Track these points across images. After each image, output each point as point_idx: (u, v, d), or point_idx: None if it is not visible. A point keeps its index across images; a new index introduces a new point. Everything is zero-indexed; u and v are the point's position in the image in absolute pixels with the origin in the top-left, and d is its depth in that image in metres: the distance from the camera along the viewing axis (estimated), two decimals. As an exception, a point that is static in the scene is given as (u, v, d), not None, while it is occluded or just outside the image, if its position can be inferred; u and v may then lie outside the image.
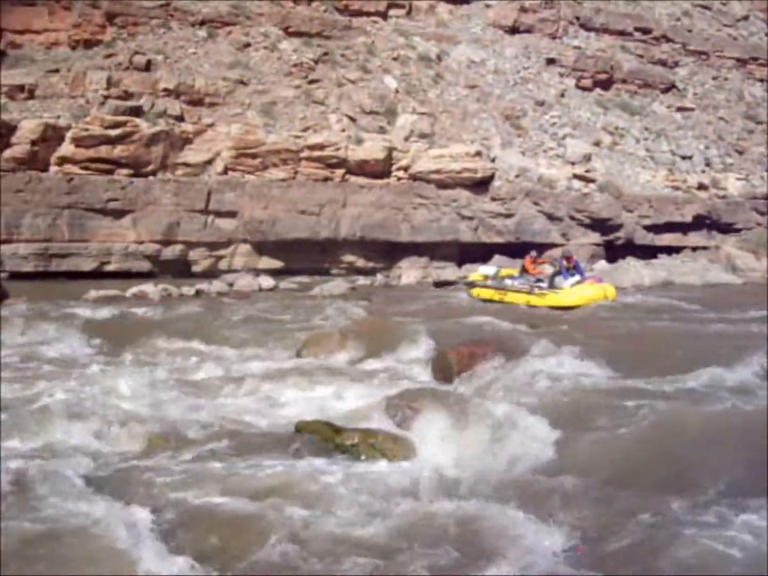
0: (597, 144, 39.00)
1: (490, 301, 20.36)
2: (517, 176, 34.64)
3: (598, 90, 44.08)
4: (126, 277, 27.81)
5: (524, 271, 21.42)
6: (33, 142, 29.68)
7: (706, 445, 6.17)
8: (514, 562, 4.71)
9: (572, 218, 34.05)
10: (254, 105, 34.70)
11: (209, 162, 32.11)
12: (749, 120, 45.29)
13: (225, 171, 32.26)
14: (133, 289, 22.87)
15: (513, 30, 45.23)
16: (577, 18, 46.85)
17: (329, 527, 5.27)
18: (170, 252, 30.82)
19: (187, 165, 31.77)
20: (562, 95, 42.15)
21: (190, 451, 7.03)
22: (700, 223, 36.38)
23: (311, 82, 36.81)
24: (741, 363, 9.16)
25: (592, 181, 35.61)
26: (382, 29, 42.28)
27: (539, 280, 20.62)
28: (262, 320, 16.56)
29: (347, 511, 5.55)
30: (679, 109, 44.87)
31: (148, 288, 23.14)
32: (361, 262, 33.00)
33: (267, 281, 26.94)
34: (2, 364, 11.07)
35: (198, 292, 23.92)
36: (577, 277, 19.79)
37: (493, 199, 33.65)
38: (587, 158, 37.23)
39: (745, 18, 52.62)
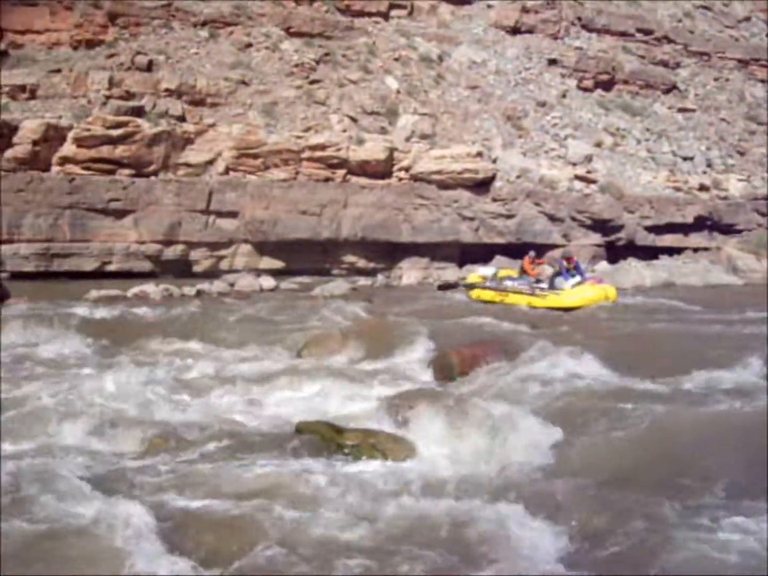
0: (598, 145, 38.98)
1: (491, 302, 20.28)
2: (518, 177, 34.63)
3: (599, 91, 44.05)
4: (127, 277, 27.80)
5: (523, 271, 21.32)
6: (35, 142, 29.70)
7: (705, 447, 6.17)
8: (511, 563, 4.72)
9: (573, 219, 34.04)
10: (256, 105, 34.72)
11: (211, 162, 32.12)
12: (750, 121, 45.26)
13: (226, 171, 32.27)
14: (135, 289, 22.86)
15: (514, 30, 45.21)
16: (579, 19, 46.82)
17: (330, 527, 5.28)
18: (171, 252, 30.83)
19: (188, 165, 31.78)
20: (564, 96, 42.14)
21: (190, 451, 7.04)
22: (701, 224, 36.35)
23: (312, 82, 36.82)
24: (741, 364, 9.18)
25: (594, 181, 35.60)
26: (384, 30, 42.28)
27: (538, 281, 20.59)
28: (262, 320, 16.56)
29: (348, 511, 5.56)
30: (681, 110, 44.84)
31: (149, 288, 23.13)
32: (362, 263, 33.01)
33: (268, 281, 26.93)
34: (2, 364, 11.07)
35: (199, 293, 23.91)
36: (577, 278, 19.75)
37: (494, 200, 33.65)
38: (588, 159, 37.22)
39: (747, 19, 52.57)
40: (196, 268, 31.15)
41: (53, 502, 5.56)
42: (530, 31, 45.36)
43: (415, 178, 33.48)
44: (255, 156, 32.30)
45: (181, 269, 30.54)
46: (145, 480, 6.28)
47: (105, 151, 30.29)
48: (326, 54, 38.53)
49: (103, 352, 13.01)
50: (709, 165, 40.72)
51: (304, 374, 10.39)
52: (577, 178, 35.52)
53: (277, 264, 31.69)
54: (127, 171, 30.64)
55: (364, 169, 33.12)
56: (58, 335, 13.84)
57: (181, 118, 32.87)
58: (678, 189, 37.31)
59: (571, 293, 19.17)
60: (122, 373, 10.36)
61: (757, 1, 52.61)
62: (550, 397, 8.32)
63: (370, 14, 42.54)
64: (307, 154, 32.69)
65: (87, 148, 30.16)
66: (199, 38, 37.17)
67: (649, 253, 33.40)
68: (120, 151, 30.47)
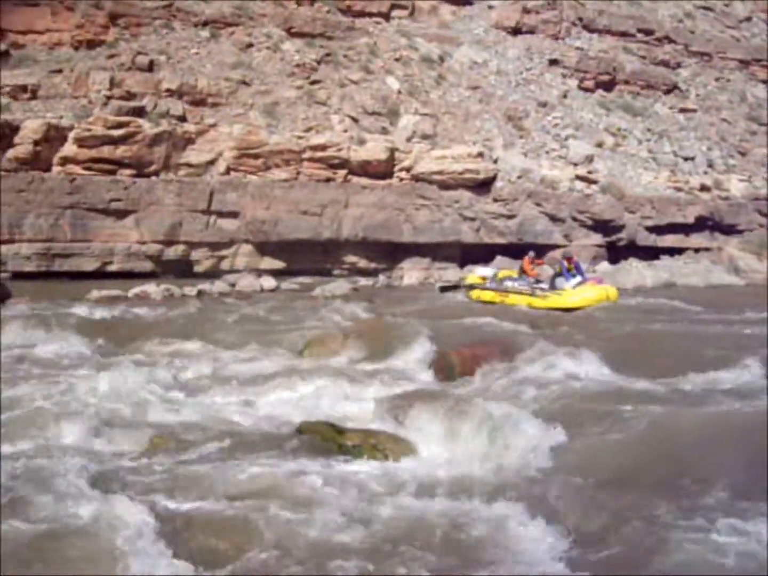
0: (599, 145, 38.96)
1: (491, 303, 20.25)
2: (519, 177, 34.61)
3: (600, 91, 44.02)
4: (128, 278, 27.81)
5: (522, 272, 21.25)
6: (36, 142, 29.69)
7: (704, 448, 6.17)
8: (511, 563, 4.72)
9: (574, 219, 34.02)
10: (257, 105, 34.71)
11: (212, 162, 32.11)
12: (752, 121, 45.24)
13: (227, 171, 32.26)
14: (136, 290, 22.87)
15: (515, 31, 45.19)
16: (580, 19, 46.79)
17: (330, 527, 5.28)
18: (172, 252, 30.83)
19: (189, 165, 31.77)
20: (565, 96, 42.12)
21: (191, 451, 7.04)
22: (702, 224, 36.32)
23: (314, 82, 36.81)
24: (741, 365, 9.19)
25: (595, 182, 35.57)
26: (385, 30, 42.27)
27: (538, 281, 20.56)
28: (263, 321, 16.58)
29: (349, 511, 5.56)
30: (682, 111, 44.81)
31: (150, 288, 23.15)
32: (363, 263, 32.99)
33: (269, 282, 26.95)
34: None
35: (200, 293, 23.93)
36: (578, 278, 19.73)
37: (496, 200, 33.63)
38: (589, 159, 37.20)
39: (748, 19, 52.54)
40: (197, 269, 31.14)
41: (52, 502, 5.56)
42: (531, 32, 45.34)
43: (416, 179, 33.47)
44: (256, 156, 32.30)
45: (182, 269, 30.54)
46: (144, 480, 6.28)
47: (106, 151, 30.28)
48: (327, 54, 38.53)
49: (103, 352, 13.01)
50: (710, 165, 40.70)
51: (305, 374, 10.39)
52: (578, 178, 35.50)
53: (278, 264, 31.68)
54: (128, 171, 30.63)
55: (365, 169, 33.11)
56: (59, 335, 13.83)
57: (182, 119, 32.87)
58: (679, 189, 37.28)
59: (572, 294, 19.16)
60: (123, 373, 10.37)
61: (758, 2, 52.58)
62: (551, 398, 8.33)
63: (371, 15, 42.52)
64: (308, 154, 32.68)
65: (88, 148, 30.16)
66: (200, 38, 37.16)
67: (650, 254, 33.37)
68: (121, 152, 30.46)
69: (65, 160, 30.17)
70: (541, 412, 7.52)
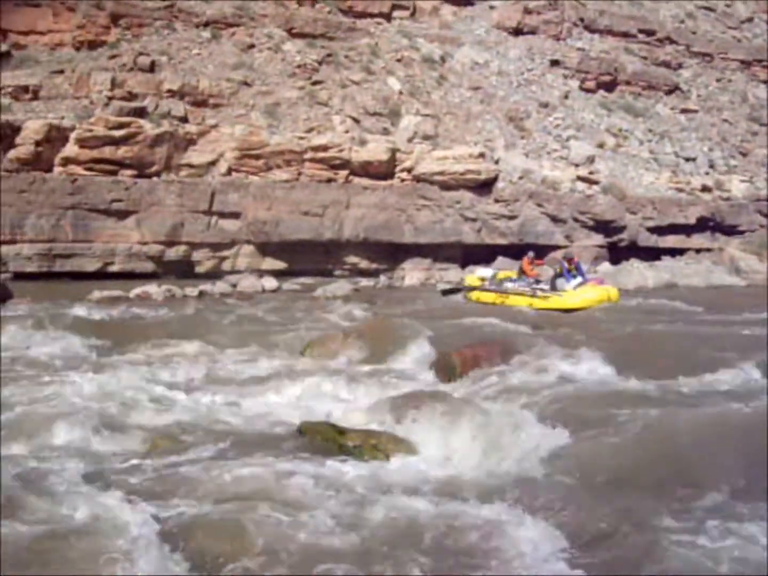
0: (601, 146, 38.97)
1: (491, 304, 20.19)
2: (520, 178, 34.61)
3: (601, 92, 44.04)
4: (129, 278, 27.82)
5: (522, 272, 21.18)
6: (37, 143, 29.71)
7: (704, 449, 6.17)
8: (509, 564, 4.72)
9: (576, 220, 34.02)
10: (258, 106, 34.73)
11: (213, 163, 32.13)
12: (753, 122, 45.24)
13: (229, 172, 32.27)
14: (137, 290, 22.88)
15: (517, 31, 45.21)
16: (581, 19, 46.80)
17: (331, 528, 5.28)
18: (174, 253, 30.84)
19: (191, 166, 31.79)
20: (566, 97, 42.12)
21: (192, 451, 7.04)
22: (703, 225, 36.32)
23: (315, 83, 36.83)
24: (741, 366, 9.18)
25: (596, 182, 35.57)
26: (386, 31, 42.29)
27: (538, 281, 20.52)
28: (265, 321, 16.59)
29: (350, 511, 5.56)
30: (683, 111, 44.82)
31: (152, 289, 23.16)
32: (364, 264, 32.99)
33: (270, 282, 26.97)
34: (3, 364, 11.08)
35: (201, 293, 23.95)
36: (579, 279, 19.72)
37: (497, 201, 33.62)
38: (591, 160, 37.20)
39: (750, 20, 52.54)
40: (199, 269, 31.16)
41: (51, 503, 5.57)
42: (532, 32, 45.36)
43: (418, 179, 33.48)
44: (257, 157, 32.31)
45: (184, 270, 30.55)
46: (144, 481, 6.28)
47: (107, 151, 30.30)
48: (329, 55, 38.54)
49: (104, 352, 13.01)
50: (711, 166, 40.71)
51: (305, 375, 10.40)
52: (580, 179, 35.51)
53: (280, 265, 31.69)
54: (129, 172, 30.65)
55: (366, 170, 33.12)
56: (60, 336, 13.84)
57: (184, 119, 32.89)
58: (680, 190, 37.28)
59: (574, 294, 19.15)
60: (123, 373, 10.39)
61: (760, 2, 52.58)
62: (551, 398, 8.33)
63: (372, 15, 42.54)
64: (309, 155, 32.69)
65: (89, 149, 30.18)
66: (201, 39, 37.18)
67: (652, 254, 33.38)
68: (122, 152, 30.48)
69: (66, 161, 30.19)
70: (542, 413, 7.53)
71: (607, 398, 8.20)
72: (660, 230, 35.49)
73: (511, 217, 33.52)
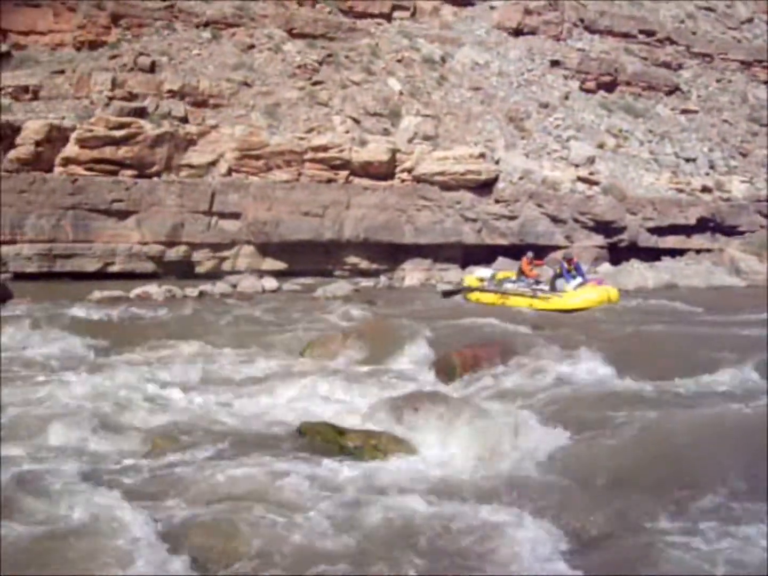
0: (601, 146, 38.98)
1: (492, 305, 20.13)
2: (520, 178, 34.62)
3: (602, 92, 44.06)
4: (130, 278, 27.81)
5: (521, 273, 21.11)
6: (37, 143, 29.72)
7: (704, 449, 6.17)
8: (509, 564, 4.73)
9: (576, 220, 34.03)
10: (258, 106, 34.75)
11: (213, 163, 32.14)
12: (753, 122, 45.25)
13: (229, 172, 32.28)
14: (137, 290, 22.87)
15: (517, 32, 45.23)
16: (581, 20, 46.82)
17: (332, 528, 5.28)
18: (174, 253, 30.85)
19: (191, 166, 31.80)
20: (566, 97, 42.13)
21: (192, 452, 7.04)
22: (703, 225, 36.33)
23: (315, 83, 36.84)
24: (741, 366, 9.18)
25: (596, 183, 35.58)
26: (386, 31, 42.30)
27: (537, 282, 20.49)
28: (265, 322, 16.59)
29: (350, 511, 5.56)
30: (683, 112, 44.84)
31: (152, 289, 23.15)
32: (364, 264, 32.99)
33: (270, 283, 26.97)
34: (2, 364, 11.08)
35: (201, 294, 23.94)
36: (579, 280, 19.71)
37: (497, 201, 33.63)
38: (591, 160, 37.21)
39: (750, 20, 52.55)
40: (199, 269, 31.17)
41: (51, 503, 5.57)
42: (533, 33, 45.38)
43: (418, 180, 33.48)
44: (257, 157, 32.32)
45: (184, 270, 30.55)
46: (144, 481, 6.29)
47: (108, 152, 30.31)
48: (329, 55, 38.55)
49: (104, 353, 13.01)
50: (711, 166, 40.73)
51: (306, 375, 10.40)
52: (580, 179, 35.51)
53: (280, 265, 31.70)
54: (129, 172, 30.67)
55: (366, 170, 33.13)
56: (60, 336, 13.84)
57: (184, 120, 32.91)
58: (680, 190, 37.29)
59: (574, 295, 19.13)
60: (123, 374, 10.38)
61: (760, 2, 52.59)
62: (551, 399, 8.33)
63: (372, 15, 42.56)
64: (309, 155, 32.70)
65: (90, 149, 30.19)
66: (201, 39, 37.19)
67: (652, 255, 33.38)
68: (123, 152, 30.49)
69: (67, 161, 30.20)
70: (542, 414, 7.53)
71: (606, 399, 8.20)
72: (660, 231, 35.50)
73: (512, 218, 33.53)
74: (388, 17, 43.11)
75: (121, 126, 30.56)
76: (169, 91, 33.39)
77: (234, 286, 26.19)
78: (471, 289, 21.78)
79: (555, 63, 43.79)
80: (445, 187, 33.19)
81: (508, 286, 20.68)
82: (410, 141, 34.77)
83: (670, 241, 35.66)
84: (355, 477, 6.34)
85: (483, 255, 31.97)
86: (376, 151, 33.18)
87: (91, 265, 29.71)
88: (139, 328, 15.42)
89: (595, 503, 5.63)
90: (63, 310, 17.74)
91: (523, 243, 32.45)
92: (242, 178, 32.22)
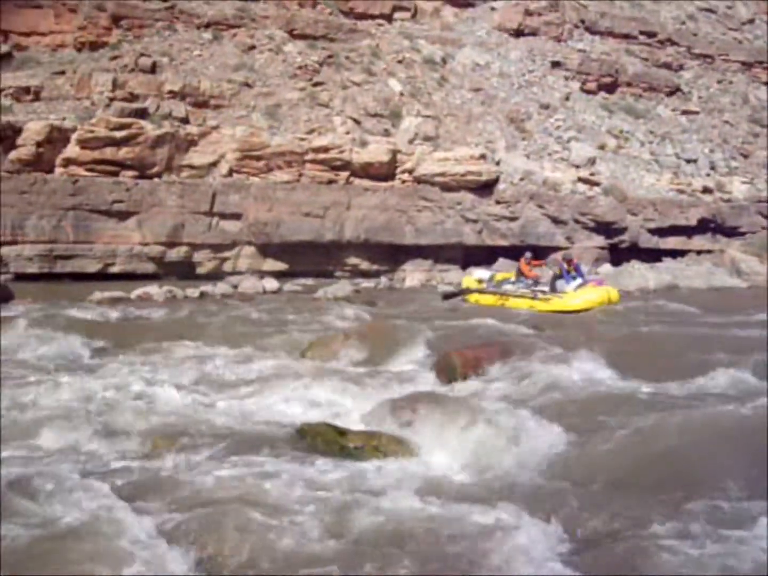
0: (602, 147, 39.02)
1: (492, 307, 20.03)
2: (521, 179, 34.64)
3: (602, 93, 44.10)
4: (130, 279, 27.83)
5: (520, 274, 21.04)
6: (38, 144, 29.77)
7: (704, 450, 6.17)
8: (507, 565, 4.73)
9: (577, 221, 34.04)
10: (259, 107, 34.79)
11: (214, 164, 32.17)
12: (754, 123, 45.26)
13: (230, 173, 32.31)
14: (138, 291, 22.88)
15: (518, 33, 45.27)
16: (582, 21, 46.86)
17: (332, 528, 5.28)
18: (175, 254, 30.87)
19: (192, 167, 31.83)
20: (567, 98, 42.17)
21: (192, 452, 7.04)
22: (704, 226, 36.34)
23: (316, 84, 36.88)
24: (741, 367, 9.17)
25: (597, 184, 35.60)
26: (387, 32, 42.35)
27: (537, 282, 20.45)
28: (265, 322, 16.58)
29: (351, 512, 5.56)
30: (684, 113, 44.86)
31: (153, 290, 23.16)
32: (365, 265, 33.01)
33: (271, 283, 26.98)
34: (2, 365, 11.07)
35: (202, 294, 23.95)
36: (579, 281, 19.67)
37: (498, 202, 33.65)
38: (592, 161, 37.24)
39: (751, 21, 52.60)
40: (200, 270, 31.19)
41: (49, 504, 5.57)
42: (533, 34, 45.43)
43: (419, 180, 33.50)
44: (258, 158, 32.35)
45: (185, 271, 30.57)
46: (144, 482, 6.28)
47: (108, 152, 30.35)
48: (329, 56, 38.60)
49: (104, 353, 13.00)
50: (712, 167, 40.75)
51: (306, 376, 10.37)
52: (581, 180, 35.53)
53: (281, 266, 31.72)
54: (130, 173, 30.71)
55: (367, 171, 33.15)
56: (60, 337, 13.81)
57: (185, 120, 32.95)
58: (681, 191, 37.31)
59: (574, 296, 19.09)
60: (123, 374, 10.38)
61: (761, 3, 52.62)
62: (551, 400, 8.33)
63: (373, 16, 42.62)
64: (310, 156, 32.73)
65: (90, 150, 30.23)
66: (202, 40, 37.26)
67: (653, 256, 33.37)
68: (123, 153, 30.53)
69: (68, 162, 30.24)
70: (542, 415, 7.52)
71: (606, 400, 8.20)
72: (661, 232, 35.52)
73: (512, 219, 33.54)
74: (389, 18, 43.16)
75: (122, 127, 30.60)
76: (170, 92, 33.44)
77: (235, 286, 26.20)
78: (471, 291, 21.64)
79: (556, 64, 43.83)
80: (446, 188, 33.21)
81: (508, 287, 20.62)
82: (411, 142, 34.81)
83: (671, 242, 35.67)
84: (355, 477, 6.33)
85: (484, 256, 32.00)
86: (376, 151, 33.20)
87: (92, 265, 29.74)
88: (139, 329, 15.42)
89: (593, 504, 5.63)
90: (63, 311, 17.72)
91: (523, 244, 32.45)
92: (243, 179, 32.25)
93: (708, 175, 39.92)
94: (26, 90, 32.43)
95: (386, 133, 35.29)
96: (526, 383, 9.20)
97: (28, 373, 10.61)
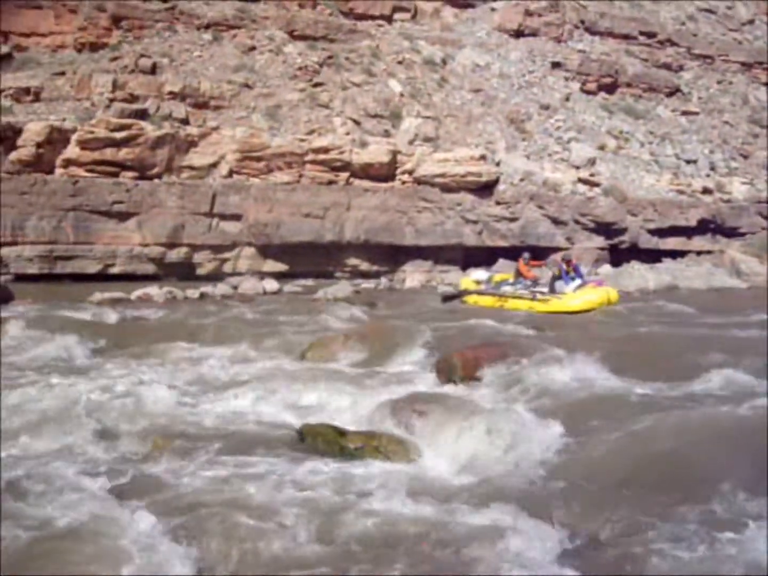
0: (602, 148, 39.03)
1: (491, 308, 19.97)
2: (521, 180, 34.65)
3: (602, 94, 44.11)
4: (131, 280, 27.83)
5: (519, 274, 20.98)
6: (38, 145, 29.78)
7: (703, 451, 6.17)
8: (506, 566, 4.73)
9: (577, 222, 34.05)
10: (259, 108, 34.80)
11: (214, 165, 32.18)
12: (754, 124, 45.28)
13: (230, 174, 32.32)
14: (138, 292, 22.88)
15: (518, 34, 45.29)
16: (582, 22, 46.87)
17: (333, 528, 5.29)
18: (175, 255, 30.87)
19: (192, 168, 31.84)
20: (567, 99, 42.19)
21: (192, 453, 7.04)
22: (704, 227, 36.36)
23: (316, 85, 36.89)
24: (741, 368, 9.18)
25: (597, 184, 35.61)
26: (387, 33, 42.37)
27: (536, 283, 20.41)
28: (266, 323, 16.56)
29: (351, 512, 5.57)
30: (684, 113, 44.88)
31: (153, 290, 23.16)
32: (365, 266, 33.03)
33: (271, 284, 26.98)
34: (2, 365, 11.08)
35: (202, 295, 23.95)
36: (578, 281, 19.64)
37: (498, 203, 33.66)
38: (592, 162, 37.25)
39: (750, 22, 52.62)
40: (200, 271, 31.20)
41: (49, 504, 5.58)
42: (533, 35, 45.45)
43: (419, 181, 33.51)
44: (258, 159, 32.36)
45: (185, 272, 30.58)
46: (144, 482, 6.29)
47: (108, 153, 30.36)
48: (330, 57, 38.61)
49: (104, 354, 13.00)
50: (712, 168, 40.76)
51: (307, 377, 10.38)
52: (581, 181, 35.55)
53: (281, 267, 31.73)
54: (130, 173, 30.72)
55: (367, 171, 33.16)
56: (60, 337, 13.80)
57: (185, 121, 32.96)
58: (681, 192, 37.33)
59: (574, 297, 19.07)
60: (123, 375, 10.39)
61: (761, 4, 52.64)
62: (552, 400, 8.33)
63: (373, 17, 42.64)
64: (310, 157, 32.74)
65: (90, 151, 30.24)
66: (202, 41, 37.28)
67: (653, 256, 33.38)
68: (123, 154, 30.54)
69: (68, 163, 30.25)
70: (542, 415, 7.52)
71: (605, 401, 8.20)
72: (661, 232, 35.54)
73: (512, 219, 33.55)
74: (389, 19, 43.18)
75: (122, 127, 30.61)
76: (170, 93, 33.45)
77: (235, 287, 26.21)
78: (471, 293, 21.57)
79: (556, 64, 43.85)
80: (446, 188, 33.22)
81: (507, 288, 20.55)
82: (411, 143, 34.82)
83: (671, 243, 35.69)
84: (356, 478, 6.34)
85: (484, 257, 32.00)
86: (376, 152, 33.21)
87: (92, 266, 29.74)
88: (138, 330, 15.42)
89: (591, 506, 5.63)
90: (63, 312, 17.70)
91: (524, 245, 32.44)
92: (243, 180, 32.26)
93: (708, 175, 39.94)
94: (26, 91, 32.45)
95: (386, 133, 35.31)
96: (525, 384, 9.19)
97: (27, 374, 10.61)
